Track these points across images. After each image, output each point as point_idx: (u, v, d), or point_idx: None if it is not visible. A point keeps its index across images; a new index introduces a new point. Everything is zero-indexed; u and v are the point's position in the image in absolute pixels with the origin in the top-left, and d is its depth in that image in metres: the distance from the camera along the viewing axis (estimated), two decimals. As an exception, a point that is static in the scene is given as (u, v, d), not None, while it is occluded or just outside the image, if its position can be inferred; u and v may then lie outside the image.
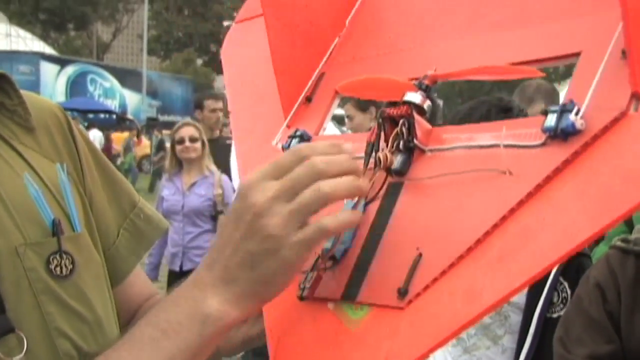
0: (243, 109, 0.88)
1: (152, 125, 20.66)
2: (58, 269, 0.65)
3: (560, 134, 0.53)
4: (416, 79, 0.69)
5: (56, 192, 0.70)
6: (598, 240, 2.21)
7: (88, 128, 16.93)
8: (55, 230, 0.66)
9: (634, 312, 1.24)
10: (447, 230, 0.57)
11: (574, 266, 1.52)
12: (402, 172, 0.64)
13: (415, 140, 0.64)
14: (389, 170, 0.65)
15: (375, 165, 0.65)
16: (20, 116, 0.71)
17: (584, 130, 0.52)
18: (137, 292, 0.82)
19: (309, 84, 0.82)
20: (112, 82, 26.04)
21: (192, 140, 3.62)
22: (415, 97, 0.67)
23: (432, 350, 0.51)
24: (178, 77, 30.27)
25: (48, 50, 29.22)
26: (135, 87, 26.16)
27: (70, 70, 24.14)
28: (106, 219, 0.77)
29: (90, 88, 24.97)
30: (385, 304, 0.57)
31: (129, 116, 22.43)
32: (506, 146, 0.57)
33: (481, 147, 0.60)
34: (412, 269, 0.56)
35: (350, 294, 0.60)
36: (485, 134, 0.61)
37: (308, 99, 0.82)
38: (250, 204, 0.57)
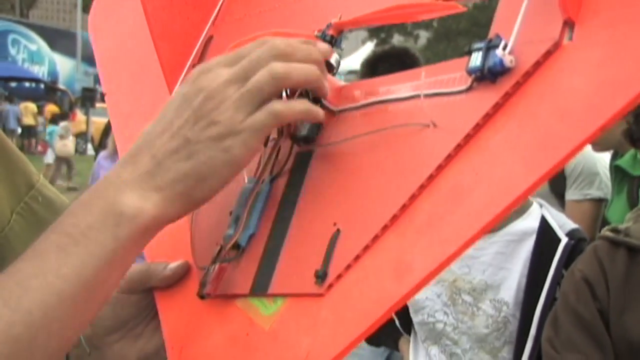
0: (119, 89, 0.87)
1: (88, 97, 20.40)
2: None
3: (488, 75, 0.54)
4: (320, 30, 0.69)
5: None
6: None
7: (10, 100, 16.64)
8: None
9: (624, 313, 1.27)
10: (367, 199, 0.58)
11: (577, 255, 1.48)
12: (310, 138, 0.65)
13: (322, 100, 0.64)
14: (295, 138, 0.65)
15: (279, 134, 0.66)
16: None
17: (514, 67, 0.53)
18: None
19: (195, 49, 0.82)
20: (39, 44, 25.52)
21: None
22: None
23: (358, 340, 0.52)
24: (121, 38, 29.64)
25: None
26: (68, 51, 25.65)
27: (-14, 29, 23.76)
28: None
29: (12, 51, 24.47)
30: (302, 292, 0.58)
31: (61, 86, 22.06)
32: (427, 96, 0.58)
33: (399, 100, 0.61)
34: (330, 247, 0.57)
35: (260, 286, 0.61)
36: (405, 85, 0.61)
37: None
38: (200, 87, 0.59)
